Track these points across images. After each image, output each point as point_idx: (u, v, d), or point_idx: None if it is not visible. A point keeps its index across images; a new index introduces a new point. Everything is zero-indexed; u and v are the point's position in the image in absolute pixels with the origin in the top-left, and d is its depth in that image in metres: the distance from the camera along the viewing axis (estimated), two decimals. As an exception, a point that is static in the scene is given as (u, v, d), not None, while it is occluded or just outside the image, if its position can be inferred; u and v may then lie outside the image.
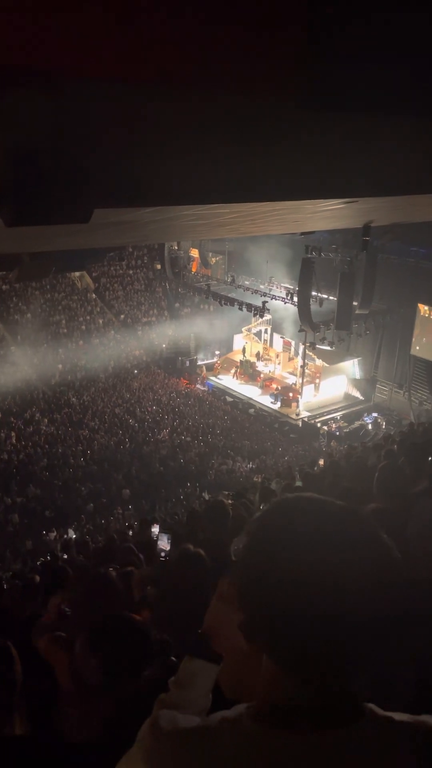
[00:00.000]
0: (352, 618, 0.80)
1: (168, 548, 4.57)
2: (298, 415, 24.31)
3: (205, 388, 27.83)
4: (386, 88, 2.39)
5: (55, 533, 15.09)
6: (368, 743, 0.84)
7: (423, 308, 22.45)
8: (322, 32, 1.98)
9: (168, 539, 4.47)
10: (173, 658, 2.18)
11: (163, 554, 4.45)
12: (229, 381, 27.78)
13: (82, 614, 2.44)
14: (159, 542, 4.55)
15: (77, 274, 31.52)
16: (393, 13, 2.05)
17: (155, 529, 5.56)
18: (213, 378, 28.29)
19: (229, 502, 6.66)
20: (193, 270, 28.51)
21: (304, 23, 1.91)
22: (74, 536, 14.00)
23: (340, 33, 2.01)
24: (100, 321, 31.08)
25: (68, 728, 2.08)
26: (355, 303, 17.45)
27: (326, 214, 4.85)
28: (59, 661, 2.25)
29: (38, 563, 9.75)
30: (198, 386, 27.98)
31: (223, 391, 27.25)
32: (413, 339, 23.10)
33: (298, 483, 8.13)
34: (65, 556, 8.56)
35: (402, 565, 0.85)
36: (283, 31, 1.93)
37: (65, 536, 14.60)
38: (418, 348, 23.12)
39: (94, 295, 32.06)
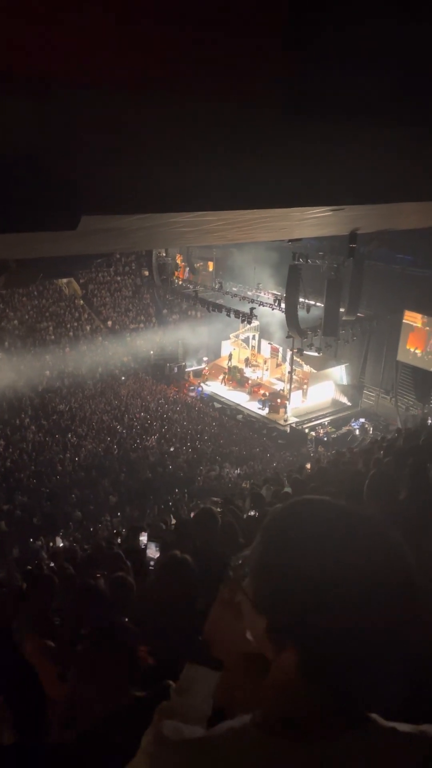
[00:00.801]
0: (374, 622, 0.81)
1: (157, 557, 4.55)
2: (286, 420, 24.35)
3: (194, 394, 27.81)
4: (372, 96, 2.41)
5: (42, 541, 14.95)
6: (373, 753, 0.85)
7: (407, 315, 22.73)
8: (307, 40, 1.99)
9: (156, 548, 4.45)
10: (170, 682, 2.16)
11: (152, 563, 4.43)
12: (217, 387, 27.78)
13: (71, 623, 2.43)
14: (147, 551, 4.53)
15: (64, 280, 31.41)
16: (377, 20, 2.07)
17: (143, 538, 5.53)
18: (202, 384, 28.30)
19: (218, 509, 6.65)
20: (181, 276, 28.55)
21: (288, 31, 1.93)
22: (61, 544, 13.89)
23: (324, 41, 2.03)
24: (88, 327, 30.98)
25: (57, 735, 2.06)
26: (342, 309, 17.55)
27: (313, 222, 4.89)
28: (46, 671, 2.24)
29: (25, 571, 9.65)
30: (192, 393, 27.96)
31: (211, 398, 27.24)
32: (399, 345, 23.36)
33: (287, 489, 8.14)
34: (52, 564, 8.48)
35: (415, 569, 0.86)
36: (268, 38, 1.95)
37: (51, 543, 14.48)
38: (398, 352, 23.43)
39: (81, 302, 31.96)
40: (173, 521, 9.56)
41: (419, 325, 22.52)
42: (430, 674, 1.40)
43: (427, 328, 22.35)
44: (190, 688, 1.16)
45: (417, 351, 22.76)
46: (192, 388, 28.27)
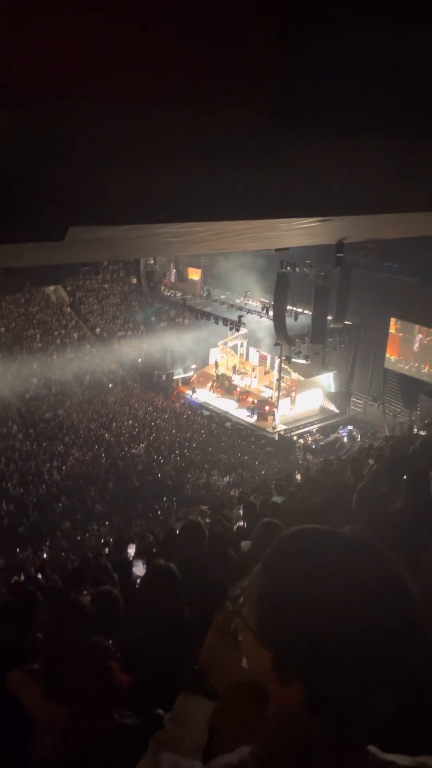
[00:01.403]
0: (379, 653, 0.80)
1: (143, 574, 4.50)
2: (274, 428, 24.37)
3: (183, 401, 27.75)
4: (360, 108, 2.41)
5: (29, 550, 14.80)
6: None
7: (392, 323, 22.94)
8: (295, 49, 1.99)
9: (144, 564, 4.39)
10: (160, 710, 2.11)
11: (138, 581, 4.39)
12: (205, 395, 27.76)
13: (54, 642, 2.37)
14: (134, 568, 4.45)
15: (52, 287, 31.29)
16: (367, 29, 2.07)
17: (131, 550, 5.46)
18: (192, 391, 28.27)
19: (207, 519, 6.60)
20: (165, 282, 28.59)
21: (277, 40, 1.92)
22: (45, 555, 13.75)
23: (313, 50, 2.03)
24: (75, 335, 30.86)
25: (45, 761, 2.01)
26: (329, 317, 17.64)
27: (300, 232, 4.89)
28: (31, 693, 2.18)
29: (11, 583, 9.53)
30: (181, 400, 27.89)
31: (200, 405, 27.22)
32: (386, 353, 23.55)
33: (276, 498, 8.11)
34: (39, 576, 8.38)
35: (418, 596, 0.85)
36: (257, 47, 1.94)
37: (38, 552, 14.34)
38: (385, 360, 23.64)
39: (69, 309, 31.84)
40: (162, 531, 9.47)
41: (393, 331, 22.76)
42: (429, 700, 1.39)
43: (401, 334, 22.58)
44: (185, 718, 1.15)
45: (392, 357, 22.99)
46: (181, 395, 28.22)
